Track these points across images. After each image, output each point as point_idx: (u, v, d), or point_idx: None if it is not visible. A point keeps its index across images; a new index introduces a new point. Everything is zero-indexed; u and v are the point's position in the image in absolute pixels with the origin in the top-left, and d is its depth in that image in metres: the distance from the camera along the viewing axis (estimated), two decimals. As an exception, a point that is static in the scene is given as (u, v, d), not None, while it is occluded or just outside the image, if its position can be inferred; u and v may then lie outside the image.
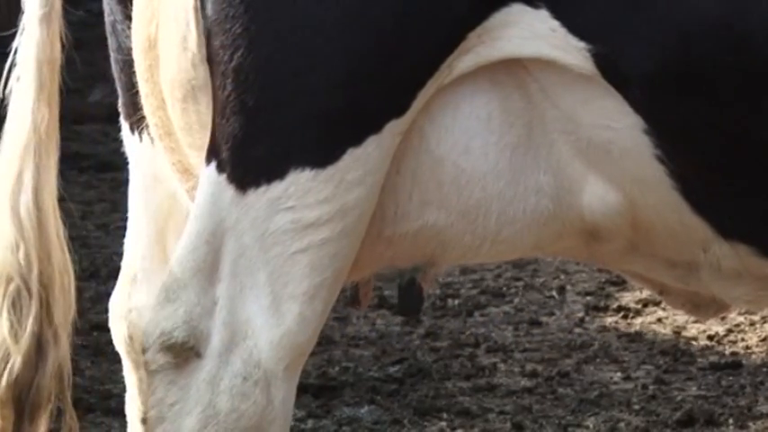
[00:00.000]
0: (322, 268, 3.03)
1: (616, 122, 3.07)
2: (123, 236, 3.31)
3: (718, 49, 3.00)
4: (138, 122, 3.25)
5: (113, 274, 3.33)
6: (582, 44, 3.01)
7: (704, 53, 3.00)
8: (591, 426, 5.40)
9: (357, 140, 2.98)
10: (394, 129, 3.01)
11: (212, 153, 3.02)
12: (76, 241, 7.37)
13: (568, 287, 6.69)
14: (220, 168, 3.00)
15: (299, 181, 2.98)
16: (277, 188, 2.99)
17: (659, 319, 6.30)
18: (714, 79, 3.02)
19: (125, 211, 3.31)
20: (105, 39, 3.36)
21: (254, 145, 2.99)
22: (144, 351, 3.05)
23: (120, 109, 3.34)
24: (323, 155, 2.98)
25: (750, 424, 5.43)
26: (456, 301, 6.52)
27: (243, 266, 3.02)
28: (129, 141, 3.34)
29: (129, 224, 3.34)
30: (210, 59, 3.00)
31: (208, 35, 2.99)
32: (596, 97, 3.07)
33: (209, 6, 2.97)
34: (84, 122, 8.80)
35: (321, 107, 2.99)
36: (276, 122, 2.99)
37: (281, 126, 3.00)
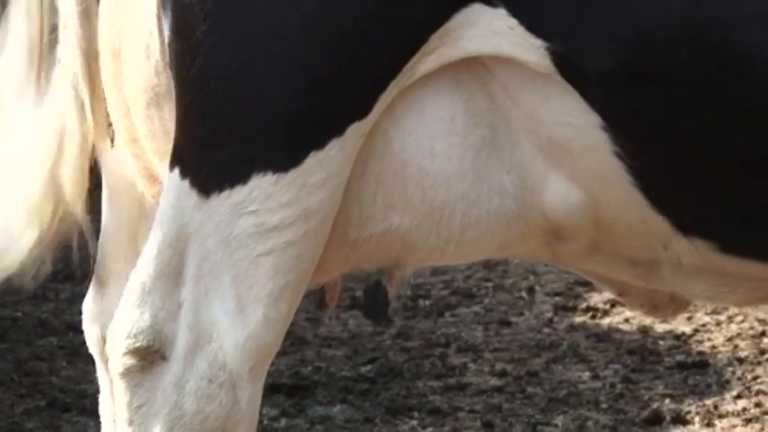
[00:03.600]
0: (286, 271, 3.00)
1: (575, 120, 3.05)
2: (97, 239, 3.30)
3: (674, 47, 2.98)
4: (108, 128, 3.23)
5: (85, 275, 3.32)
6: (539, 42, 2.99)
7: (661, 51, 2.98)
8: (560, 424, 5.39)
9: (319, 144, 2.95)
10: (356, 131, 2.98)
11: (175, 159, 2.99)
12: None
13: (537, 288, 6.70)
14: (183, 174, 2.98)
15: (262, 185, 2.96)
16: (240, 192, 2.96)
17: (627, 319, 6.31)
18: (671, 76, 3.00)
19: (98, 213, 3.30)
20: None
21: (216, 150, 2.97)
22: (112, 355, 3.04)
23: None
24: (285, 158, 2.96)
25: (716, 422, 5.44)
26: (427, 302, 6.53)
27: (207, 270, 2.99)
28: (101, 146, 3.30)
29: (102, 228, 3.32)
30: (172, 69, 2.98)
31: (170, 46, 2.96)
32: (555, 95, 3.04)
33: (168, 24, 2.95)
34: None
35: (282, 111, 2.97)
36: (238, 127, 2.97)
37: (242, 131, 2.97)
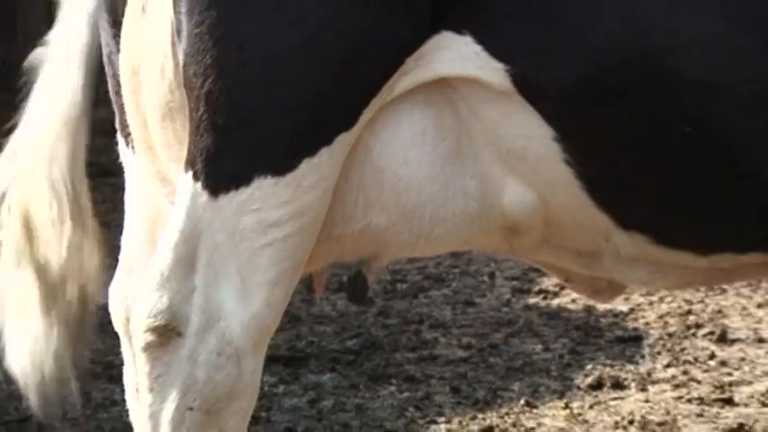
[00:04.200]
0: (284, 260, 2.95)
1: (531, 132, 2.99)
2: (121, 232, 3.25)
3: (618, 71, 2.93)
4: (130, 137, 3.19)
5: (113, 264, 3.23)
6: (501, 65, 2.93)
7: (607, 74, 2.93)
8: (516, 389, 5.36)
9: (312, 152, 2.90)
10: (343, 141, 2.92)
11: (189, 164, 2.93)
12: None
13: (497, 273, 6.69)
14: (196, 177, 2.92)
15: (263, 187, 2.90)
16: (244, 193, 2.91)
17: (573, 300, 6.30)
18: (615, 96, 2.95)
19: (123, 210, 3.25)
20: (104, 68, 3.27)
21: (224, 157, 2.91)
22: (134, 332, 3.00)
23: (117, 126, 3.27)
24: (283, 164, 2.90)
25: (649, 387, 5.40)
26: (403, 286, 6.52)
27: (216, 260, 2.93)
28: (125, 153, 3.27)
29: (126, 222, 3.27)
30: (186, 85, 2.91)
31: (183, 68, 2.90)
32: (514, 111, 2.98)
33: (183, 41, 2.88)
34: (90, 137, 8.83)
35: (280, 124, 2.91)
36: (243, 138, 2.91)
37: (246, 141, 2.91)
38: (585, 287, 3.44)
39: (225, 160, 2.91)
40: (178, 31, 2.90)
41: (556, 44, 2.91)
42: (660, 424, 4.99)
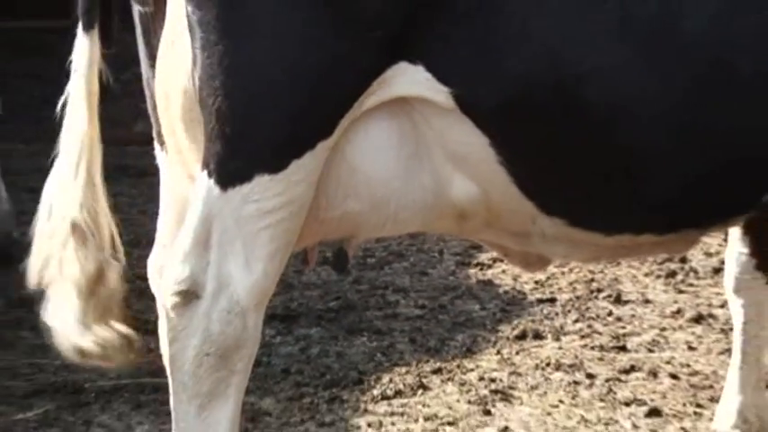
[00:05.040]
0: (278, 239, 2.92)
1: (471, 140, 2.97)
2: (156, 218, 3.22)
3: (539, 91, 2.90)
4: (164, 144, 3.15)
5: (150, 243, 3.24)
6: (445, 88, 2.91)
7: (529, 94, 2.90)
8: (459, 339, 5.33)
9: (299, 155, 2.87)
10: (324, 146, 2.90)
11: (204, 165, 2.90)
12: (125, 222, 7.33)
13: (445, 250, 6.65)
14: (209, 175, 2.89)
15: (261, 182, 2.87)
16: (247, 187, 2.87)
17: (503, 271, 6.27)
18: (533, 111, 2.92)
19: (157, 202, 3.21)
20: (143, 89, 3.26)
21: (230, 159, 2.87)
22: (164, 295, 2.98)
23: (154, 134, 3.21)
24: (276, 164, 2.87)
25: (562, 337, 5.39)
26: (372, 260, 6.46)
27: (225, 239, 2.90)
28: (160, 156, 3.23)
29: (160, 211, 3.23)
30: (201, 103, 2.88)
31: (200, 87, 2.87)
32: (457, 123, 2.96)
33: (198, 68, 2.85)
34: (130, 144, 8.81)
35: (275, 133, 2.88)
36: (245, 145, 2.87)
37: (248, 147, 2.88)
38: (519, 260, 3.42)
39: (231, 162, 2.87)
40: (194, 61, 2.86)
41: (486, 72, 2.88)
42: (570, 366, 4.98)
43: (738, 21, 2.96)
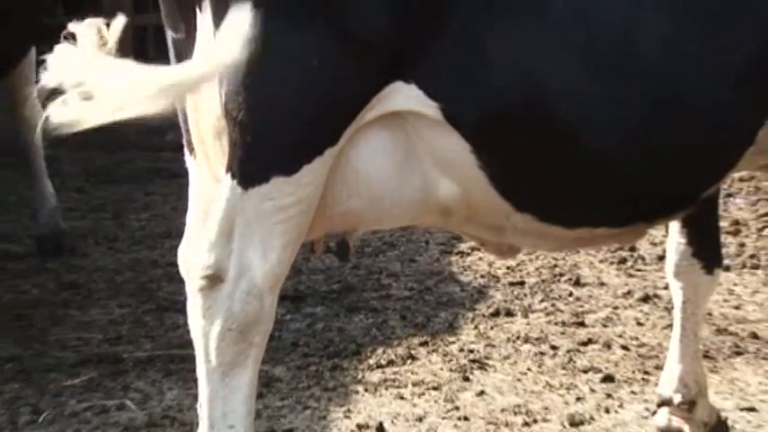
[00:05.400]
0: (290, 232, 2.90)
1: (455, 147, 2.96)
2: (185, 214, 3.17)
3: (513, 107, 2.90)
4: (192, 150, 3.12)
5: (180, 235, 3.17)
6: (434, 103, 2.90)
7: (505, 109, 2.89)
8: (442, 317, 5.34)
9: (309, 160, 2.85)
10: (330, 152, 2.88)
11: (228, 169, 2.88)
12: (159, 217, 7.36)
13: (431, 240, 6.65)
14: (233, 177, 2.87)
15: (277, 184, 2.85)
16: (264, 188, 2.85)
17: (480, 258, 6.27)
18: (508, 123, 2.92)
19: (186, 200, 3.17)
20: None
21: (251, 164, 2.86)
22: (193, 279, 2.95)
23: (184, 143, 3.17)
24: (290, 168, 2.85)
25: (530, 315, 5.39)
26: (369, 249, 6.46)
27: (246, 232, 2.88)
28: (189, 160, 3.18)
29: (189, 207, 3.18)
30: (226, 116, 2.87)
31: (225, 102, 2.85)
32: (444, 133, 2.95)
33: (224, 92, 2.84)
34: (163, 150, 8.75)
35: (288, 142, 2.86)
36: (263, 151, 2.85)
37: (266, 153, 2.86)
38: (494, 249, 3.42)
39: (252, 166, 2.86)
40: (220, 81, 2.85)
41: (468, 90, 2.88)
42: (537, 339, 4.99)
43: (680, 50, 2.98)
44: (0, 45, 5.92)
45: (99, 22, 2.93)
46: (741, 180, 7.68)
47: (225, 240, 2.90)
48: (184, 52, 3.05)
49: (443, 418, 4.14)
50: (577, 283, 5.84)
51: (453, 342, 4.97)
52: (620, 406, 4.27)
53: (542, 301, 5.57)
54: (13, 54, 6.15)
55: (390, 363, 4.70)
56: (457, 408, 4.24)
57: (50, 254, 6.33)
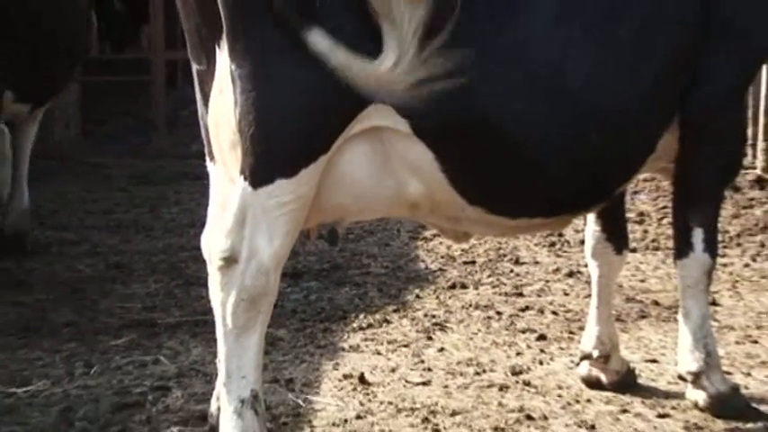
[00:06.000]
0: (290, 222, 2.87)
1: (422, 156, 2.95)
2: (207, 208, 3.13)
3: (461, 123, 2.88)
4: (213, 158, 3.08)
5: (202, 225, 3.12)
6: (404, 120, 2.89)
7: (456, 124, 2.88)
8: (410, 288, 5.30)
9: (306, 165, 2.84)
10: (323, 159, 2.87)
11: (241, 172, 2.86)
12: (186, 210, 7.29)
13: (401, 228, 6.61)
14: (245, 179, 2.84)
15: (280, 184, 2.82)
16: (270, 187, 2.83)
17: (440, 242, 6.25)
18: (461, 136, 2.90)
19: (208, 197, 3.14)
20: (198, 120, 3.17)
21: (260, 169, 2.83)
22: (213, 260, 2.93)
23: (206, 152, 3.13)
24: (291, 172, 2.83)
25: (479, 287, 5.35)
26: (352, 235, 6.40)
27: (255, 222, 2.86)
28: (210, 166, 3.14)
29: (210, 202, 3.15)
30: (239, 130, 2.83)
31: (239, 120, 2.81)
32: (413, 143, 2.94)
33: (238, 109, 2.81)
34: (188, 158, 8.71)
35: (290, 151, 2.84)
36: (270, 159, 2.82)
37: (271, 160, 2.83)
38: (452, 235, 3.41)
39: (260, 170, 2.83)
40: (235, 103, 2.82)
41: (429, 110, 2.84)
42: (485, 306, 4.98)
43: (600, 78, 2.99)
44: (48, 75, 5.72)
45: None
46: (645, 180, 7.72)
47: (238, 229, 2.87)
48: (206, 80, 3.02)
49: (412, 370, 4.14)
50: (517, 261, 5.83)
51: (419, 309, 4.94)
52: (551, 359, 4.27)
53: (489, 276, 5.55)
54: (58, 84, 5.95)
55: (370, 326, 4.66)
56: (422, 361, 4.23)
57: (9, 252, 5.75)
